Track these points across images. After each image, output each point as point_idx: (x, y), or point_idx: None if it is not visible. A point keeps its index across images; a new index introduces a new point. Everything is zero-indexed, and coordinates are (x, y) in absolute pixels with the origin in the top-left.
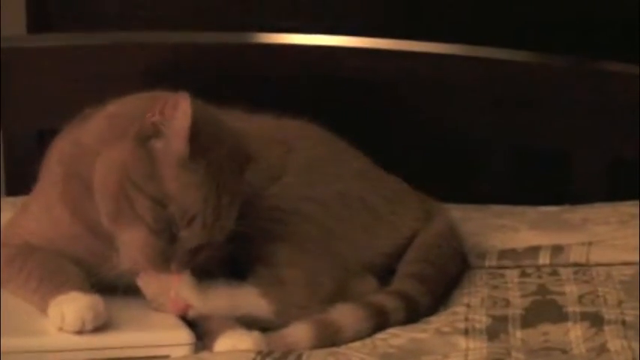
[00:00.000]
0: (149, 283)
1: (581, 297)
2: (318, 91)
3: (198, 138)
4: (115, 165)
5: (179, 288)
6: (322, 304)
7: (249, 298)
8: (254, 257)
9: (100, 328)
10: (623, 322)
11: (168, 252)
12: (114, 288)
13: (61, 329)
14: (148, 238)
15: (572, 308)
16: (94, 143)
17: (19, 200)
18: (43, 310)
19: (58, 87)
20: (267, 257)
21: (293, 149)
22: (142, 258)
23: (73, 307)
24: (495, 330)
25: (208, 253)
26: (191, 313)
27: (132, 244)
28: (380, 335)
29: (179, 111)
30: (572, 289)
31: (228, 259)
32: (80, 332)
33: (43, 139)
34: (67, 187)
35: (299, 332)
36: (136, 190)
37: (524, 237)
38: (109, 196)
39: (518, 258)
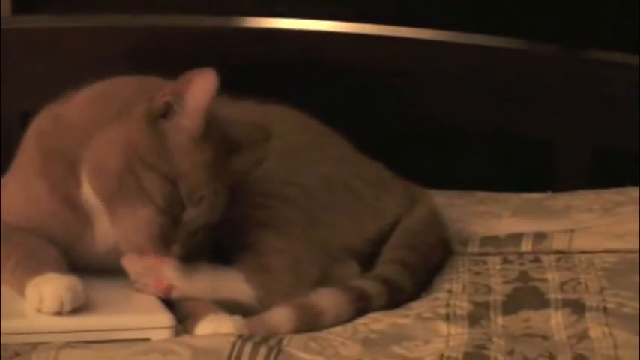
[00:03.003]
0: (133, 262)
1: (562, 284)
2: (302, 76)
3: (208, 119)
4: (119, 144)
5: (163, 268)
6: (305, 291)
7: (233, 283)
8: (238, 243)
9: (81, 310)
10: (605, 309)
11: (171, 233)
12: (91, 269)
13: (39, 310)
14: (154, 217)
15: (554, 295)
16: (81, 122)
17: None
18: (21, 291)
19: (43, 69)
20: (251, 243)
21: (276, 135)
22: (146, 238)
23: (51, 287)
24: (477, 316)
25: (203, 235)
26: (174, 294)
27: (135, 224)
28: (361, 320)
29: (202, 87)
30: (554, 276)
31: (213, 245)
32: (59, 313)
33: (28, 120)
34: (47, 162)
35: (280, 316)
36: (146, 168)
37: (506, 224)
38: (110, 175)
39: (500, 245)
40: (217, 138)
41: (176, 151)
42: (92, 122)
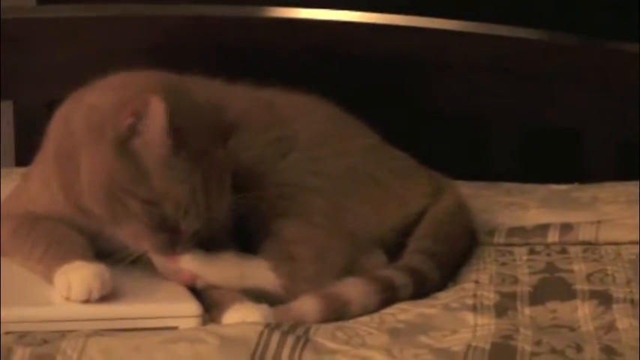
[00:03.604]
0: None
1: (589, 275)
2: (327, 66)
3: (176, 131)
4: (98, 170)
5: (183, 262)
6: (331, 280)
7: (259, 271)
8: (264, 232)
9: (109, 298)
10: (632, 301)
11: (171, 240)
12: (117, 258)
13: (67, 298)
14: (148, 233)
15: (581, 286)
16: (79, 131)
17: None
18: (49, 279)
19: (68, 58)
20: (277, 232)
21: (302, 124)
22: (147, 248)
23: (79, 275)
24: (504, 307)
25: (211, 228)
26: (199, 283)
27: (134, 237)
28: (388, 310)
29: (152, 113)
30: (580, 268)
31: (239, 234)
32: (87, 301)
33: (54, 109)
34: (59, 164)
35: (307, 305)
36: (126, 194)
37: (533, 215)
38: (99, 199)
39: (527, 235)
40: (198, 138)
41: (150, 172)
42: (85, 136)
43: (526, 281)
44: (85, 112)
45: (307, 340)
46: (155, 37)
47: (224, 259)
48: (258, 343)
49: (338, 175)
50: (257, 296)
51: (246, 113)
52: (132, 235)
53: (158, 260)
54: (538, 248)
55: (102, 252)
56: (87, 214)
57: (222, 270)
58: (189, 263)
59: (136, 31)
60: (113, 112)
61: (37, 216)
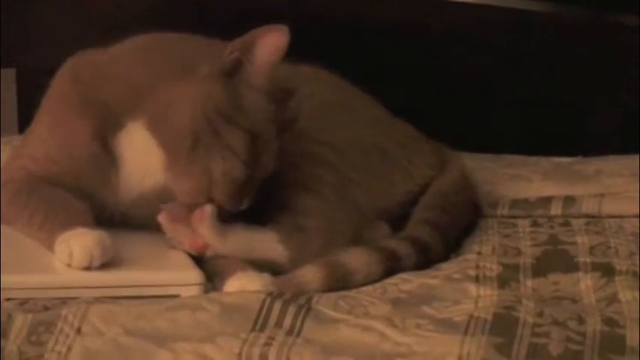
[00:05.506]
0: (170, 220)
1: (592, 248)
2: (332, 37)
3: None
4: (190, 103)
5: (200, 227)
6: (338, 252)
7: (267, 243)
8: (273, 203)
9: (110, 266)
10: (634, 273)
11: (246, 185)
12: (114, 222)
13: (69, 265)
14: (237, 170)
15: (584, 258)
16: (128, 74)
17: None
18: (50, 246)
19: (71, 25)
20: (285, 204)
21: (307, 94)
22: (224, 190)
23: (80, 242)
24: (506, 278)
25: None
26: (209, 253)
27: (209, 178)
28: (391, 280)
29: (272, 43)
30: (583, 240)
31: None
32: (88, 268)
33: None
34: (85, 107)
35: (309, 274)
36: (228, 124)
37: (536, 187)
38: (183, 132)
39: (530, 208)
40: (273, 91)
41: (250, 105)
42: (144, 76)
43: (529, 253)
44: (142, 54)
45: (309, 309)
46: (156, 4)
47: (234, 231)
48: (260, 312)
49: (343, 146)
50: (265, 267)
51: None
52: (204, 178)
53: (168, 227)
54: (541, 220)
55: (100, 214)
56: (108, 153)
57: (232, 241)
58: (207, 232)
59: None
60: (204, 52)
61: (37, 179)
